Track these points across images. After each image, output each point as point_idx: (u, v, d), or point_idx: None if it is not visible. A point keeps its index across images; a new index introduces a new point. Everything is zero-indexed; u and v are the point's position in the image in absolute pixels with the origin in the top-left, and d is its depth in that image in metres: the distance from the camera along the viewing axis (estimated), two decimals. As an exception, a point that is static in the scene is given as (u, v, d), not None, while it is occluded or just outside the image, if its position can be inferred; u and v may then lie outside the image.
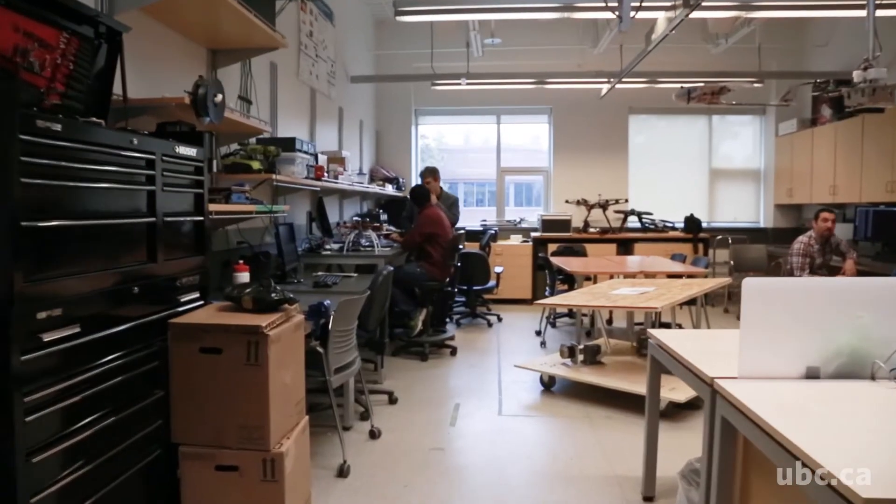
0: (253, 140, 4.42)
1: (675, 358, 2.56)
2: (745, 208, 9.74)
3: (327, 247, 5.41)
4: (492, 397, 4.67)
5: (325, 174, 5.28)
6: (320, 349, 3.21)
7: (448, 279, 6.02)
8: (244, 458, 2.43)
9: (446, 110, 9.80)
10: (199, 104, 2.93)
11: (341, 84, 7.37)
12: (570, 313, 7.62)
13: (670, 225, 9.23)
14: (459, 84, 7.83)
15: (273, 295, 2.56)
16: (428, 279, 5.82)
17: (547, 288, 6.73)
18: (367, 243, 5.53)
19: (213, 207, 3.03)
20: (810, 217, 8.85)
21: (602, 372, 4.68)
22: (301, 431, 2.70)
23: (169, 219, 2.48)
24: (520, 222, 9.67)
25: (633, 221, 9.30)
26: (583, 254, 7.85)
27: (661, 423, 3.93)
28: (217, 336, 2.41)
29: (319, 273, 4.80)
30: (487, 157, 9.90)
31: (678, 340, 2.72)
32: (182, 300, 2.60)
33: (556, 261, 6.51)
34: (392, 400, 4.48)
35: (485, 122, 9.87)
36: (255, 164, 4.01)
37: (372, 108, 9.20)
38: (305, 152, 4.75)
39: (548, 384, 4.81)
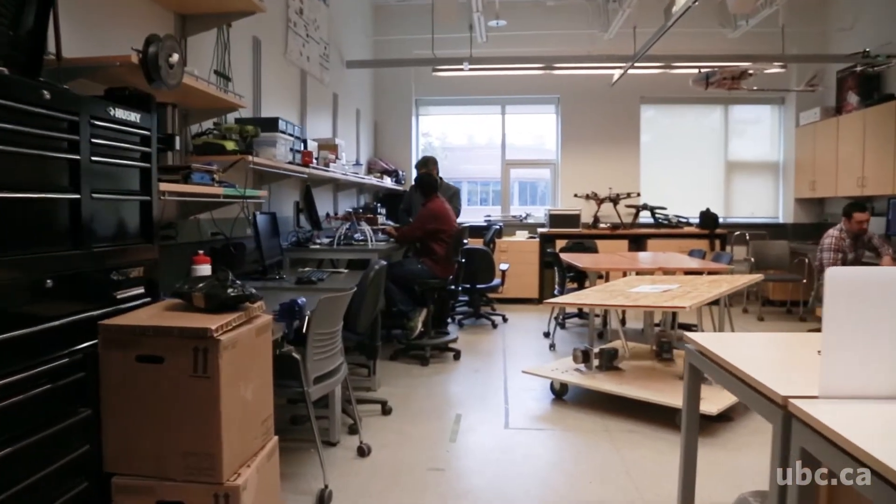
0: (232, 119, 3.96)
1: (726, 370, 2.08)
2: (762, 203, 9.24)
3: (317, 240, 4.94)
4: (497, 407, 4.19)
5: (314, 161, 4.81)
6: (296, 355, 2.74)
7: (451, 277, 5.54)
8: (191, 493, 1.95)
9: (448, 100, 9.32)
10: (149, 65, 2.46)
11: (336, 69, 6.90)
12: (581, 313, 7.13)
13: (684, 220, 8.73)
14: (462, 69, 7.36)
15: (230, 290, 2.08)
16: (429, 277, 5.34)
17: (556, 286, 6.25)
18: (361, 237, 5.06)
19: (166, 188, 2.56)
20: (834, 212, 8.38)
21: (620, 379, 4.19)
22: (267, 456, 2.22)
23: (100, 196, 2.01)
24: (525, 218, 9.19)
25: (645, 217, 8.82)
26: (593, 250, 7.37)
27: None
28: (157, 341, 1.94)
29: (306, 269, 4.32)
30: (491, 155, 9.41)
31: (724, 347, 2.24)
32: (120, 297, 2.13)
33: (567, 257, 6.03)
34: (386, 410, 4.01)
35: (489, 113, 9.39)
36: (230, 145, 3.54)
37: (370, 98, 8.73)
38: (290, 135, 4.28)
39: (559, 392, 4.33)
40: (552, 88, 9.03)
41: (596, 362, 4.34)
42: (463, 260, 5.64)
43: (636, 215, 8.76)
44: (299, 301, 2.47)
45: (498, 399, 4.36)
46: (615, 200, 8.68)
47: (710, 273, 5.36)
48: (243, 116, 4.12)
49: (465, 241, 5.64)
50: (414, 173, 9.10)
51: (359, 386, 4.52)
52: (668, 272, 5.39)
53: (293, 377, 2.78)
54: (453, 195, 6.55)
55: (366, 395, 4.27)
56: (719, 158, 9.22)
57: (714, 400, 3.64)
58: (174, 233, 3.31)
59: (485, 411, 4.10)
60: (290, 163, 4.30)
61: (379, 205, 7.67)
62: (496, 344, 6.13)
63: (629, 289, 4.45)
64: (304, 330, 2.52)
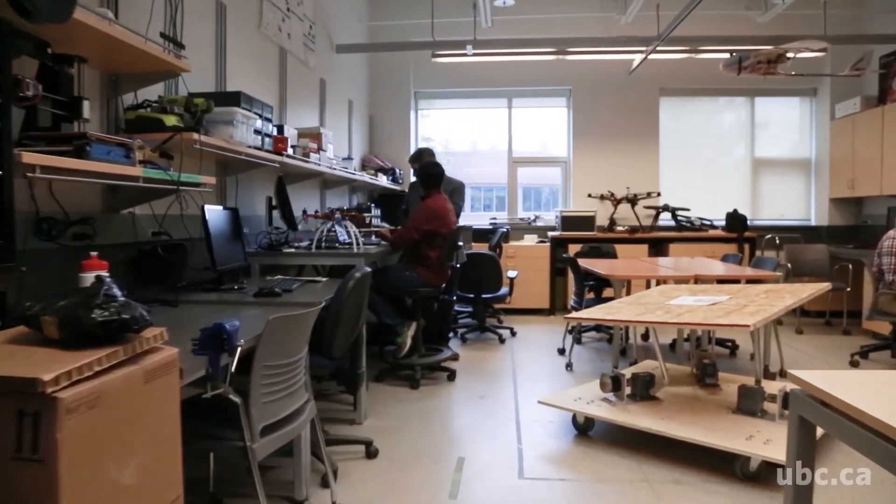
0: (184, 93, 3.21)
1: (877, 433, 1.31)
2: (793, 204, 8.44)
3: (295, 243, 4.19)
4: (508, 447, 3.42)
5: (290, 150, 4.06)
6: (235, 397, 1.97)
7: (445, 284, 4.78)
8: None
9: (450, 93, 8.57)
10: (17, -14, 1.70)
11: (324, 54, 6.16)
12: (598, 327, 6.35)
13: (708, 223, 7.96)
14: (465, 54, 6.61)
15: (97, 313, 1.32)
16: (420, 285, 4.58)
17: (573, 297, 5.47)
18: (346, 239, 4.29)
19: (40, 161, 1.79)
20: (875, 212, 7.62)
21: (659, 411, 3.41)
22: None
23: None
24: (534, 220, 8.42)
25: (665, 219, 8.05)
26: (612, 255, 6.60)
27: (751, 490, 2.71)
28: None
29: (276, 277, 3.56)
30: (497, 157, 8.63)
31: (860, 395, 1.48)
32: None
33: (586, 263, 5.26)
34: (370, 452, 3.23)
35: (494, 107, 8.63)
36: (170, 120, 2.78)
37: (365, 89, 7.98)
38: (258, 115, 3.54)
39: (584, 427, 3.55)
40: (563, 79, 8.27)
41: (628, 390, 3.57)
42: (458, 265, 4.87)
43: (656, 217, 7.99)
44: (228, 326, 1.70)
45: (508, 435, 3.58)
46: (633, 201, 7.91)
47: (752, 281, 4.60)
48: (204, 92, 3.37)
49: (461, 242, 4.86)
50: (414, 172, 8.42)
51: (340, 418, 3.76)
52: (703, 280, 4.62)
53: (231, 426, 2.02)
54: (454, 190, 5.69)
55: (347, 433, 3.50)
56: (745, 155, 8.45)
57: (780, 442, 2.86)
58: (91, 230, 2.55)
59: (493, 453, 3.33)
60: (257, 148, 3.55)
61: (373, 205, 6.91)
62: (504, 362, 5.36)
63: (667, 301, 3.68)
64: (233, 367, 1.76)
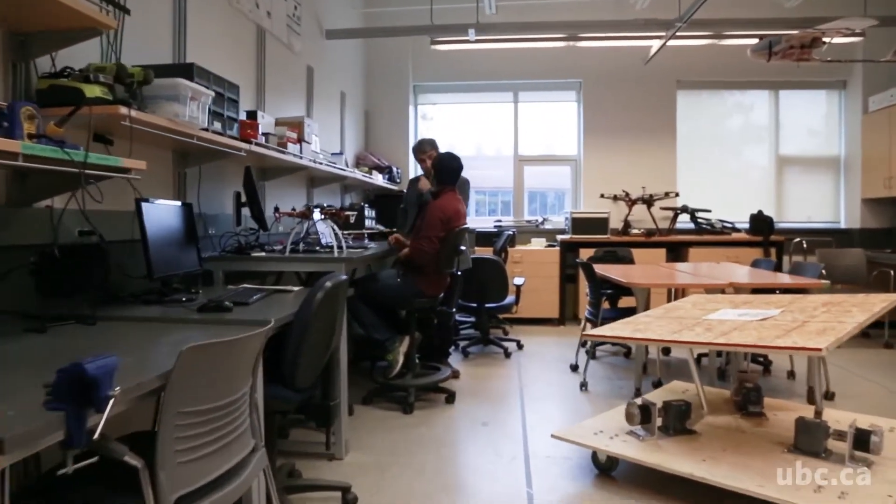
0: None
1: None
2: (821, 204, 7.83)
3: (269, 246, 3.61)
4: (515, 492, 2.83)
5: (261, 137, 3.50)
6: (135, 461, 1.39)
7: (443, 294, 4.20)
8: None
9: (451, 86, 7.99)
10: None
11: (312, 39, 5.61)
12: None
13: (729, 225, 7.37)
14: (466, 40, 6.04)
15: None
16: (413, 294, 4.00)
17: (588, 308, 4.88)
18: (330, 241, 3.70)
19: None
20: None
21: (699, 450, 2.82)
22: None
23: None
24: (542, 223, 7.83)
25: (683, 221, 7.46)
26: (629, 260, 6.01)
27: None
28: None
29: (239, 287, 2.98)
30: (501, 159, 8.03)
31: None
32: None
33: (602, 269, 4.67)
34: (347, 501, 2.65)
35: (499, 101, 8.05)
36: (93, 90, 2.21)
37: (360, 82, 7.42)
38: (218, 92, 2.97)
39: (606, 467, 2.96)
40: (573, 71, 7.69)
41: (659, 422, 2.98)
42: (458, 272, 4.28)
43: (674, 219, 7.41)
44: (92, 367, 1.11)
45: (516, 476, 2.99)
46: (649, 202, 7.32)
47: (796, 290, 4.01)
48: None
49: (463, 246, 4.27)
50: (413, 170, 7.82)
51: (316, 453, 3.18)
52: (740, 289, 4.03)
53: (134, 495, 1.44)
54: (459, 188, 4.99)
55: (320, 476, 2.92)
56: (769, 153, 7.85)
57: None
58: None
59: (497, 500, 2.74)
60: (218, 133, 2.98)
61: (367, 206, 6.34)
62: (510, 381, 4.77)
63: (705, 315, 3.09)
64: (99, 430, 1.17)
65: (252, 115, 3.64)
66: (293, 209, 3.53)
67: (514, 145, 7.98)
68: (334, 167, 5.01)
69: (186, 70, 2.76)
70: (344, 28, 6.12)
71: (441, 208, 4.04)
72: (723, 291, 4.12)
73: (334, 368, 2.65)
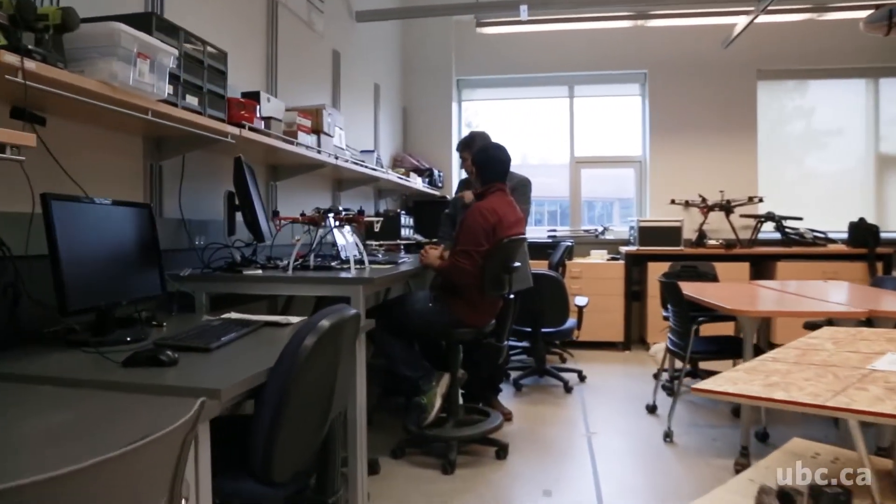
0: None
1: None
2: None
3: (275, 261, 2.83)
4: None
5: (259, 121, 2.72)
6: None
7: (493, 321, 3.36)
8: None
9: (499, 80, 7.15)
10: None
11: (339, 19, 4.86)
12: (695, 371, 4.78)
13: (821, 235, 6.34)
14: (518, 21, 5.22)
15: None
16: (453, 324, 3.17)
17: (671, 337, 3.95)
18: (354, 254, 2.90)
19: None
20: None
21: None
22: None
23: None
24: (603, 232, 6.92)
25: (767, 230, 6.46)
26: (712, 277, 5.06)
27: None
28: None
29: (217, 319, 2.18)
30: (556, 167, 7.15)
31: None
32: None
33: (685, 289, 3.75)
34: None
35: (552, 96, 7.18)
36: (-31, 31, 1.45)
37: (396, 74, 6.65)
38: (191, 56, 2.21)
39: (732, 581, 2.06)
40: (637, 60, 6.78)
41: (806, 515, 2.07)
42: (511, 295, 3.42)
43: (755, 229, 6.41)
44: None
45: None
46: (728, 209, 6.35)
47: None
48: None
49: (517, 262, 3.40)
50: (458, 174, 7.01)
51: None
52: (883, 318, 3.08)
53: None
54: (515, 188, 3.75)
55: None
56: (866, 151, 6.79)
57: None
58: None
59: None
60: (188, 109, 2.21)
61: (404, 213, 5.54)
62: (574, 426, 3.89)
63: (869, 364, 2.17)
64: None
65: (252, 95, 2.88)
66: (302, 214, 2.73)
67: (569, 145, 7.09)
68: (362, 166, 4.22)
69: (143, 21, 1.99)
70: (376, 9, 5.33)
71: (483, 213, 3.13)
72: (863, 322, 3.18)
73: (331, 450, 1.82)
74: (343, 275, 2.55)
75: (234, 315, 2.28)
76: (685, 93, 6.71)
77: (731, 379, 2.20)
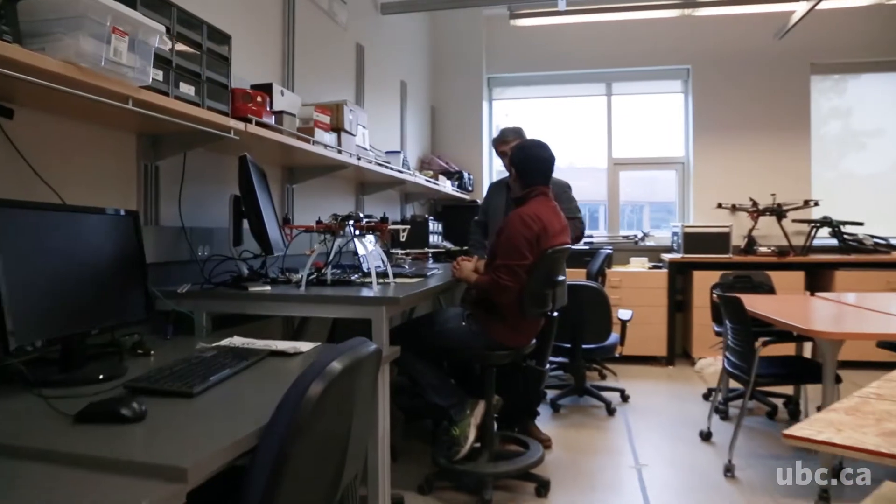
0: None
1: None
2: None
3: (294, 276, 2.49)
4: None
5: (269, 114, 2.40)
6: None
7: (533, 340, 2.99)
8: None
9: (533, 78, 6.78)
10: None
11: (364, 12, 4.55)
12: (758, 394, 4.32)
13: (882, 242, 5.86)
14: (555, 11, 4.85)
15: None
16: (488, 345, 2.81)
17: (730, 357, 3.54)
18: (378, 266, 2.56)
19: None
20: None
21: None
22: None
23: None
24: (643, 238, 6.50)
25: (822, 237, 5.99)
26: (767, 288, 4.63)
27: None
28: None
29: (213, 347, 1.85)
30: (591, 169, 6.76)
31: None
32: None
33: (749, 304, 3.34)
34: None
35: (589, 94, 6.79)
36: None
37: (425, 72, 6.32)
38: (182, 35, 1.89)
39: None
40: (681, 54, 6.36)
41: None
42: (554, 313, 3.05)
43: (810, 235, 5.95)
44: None
45: None
46: (780, 213, 5.89)
47: None
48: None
49: (561, 276, 3.02)
50: (489, 173, 6.66)
51: None
52: None
53: None
54: (558, 196, 3.23)
55: None
56: (930, 152, 6.29)
57: None
58: None
59: None
60: (182, 99, 1.89)
61: (433, 218, 5.21)
62: (621, 456, 3.49)
63: None
64: None
65: (264, 88, 2.56)
66: (318, 221, 2.39)
67: (607, 146, 6.69)
68: (387, 167, 3.89)
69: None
70: (402, 0, 4.99)
71: (526, 221, 2.74)
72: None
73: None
74: (364, 292, 2.21)
75: (236, 341, 1.95)
76: (732, 89, 6.27)
77: (833, 423, 1.81)
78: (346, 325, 2.45)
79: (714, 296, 3.75)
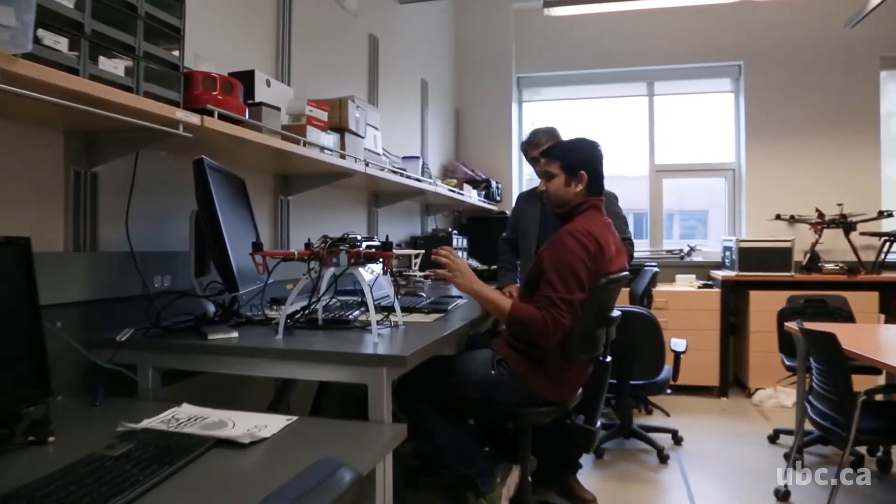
0: None
1: None
2: None
3: (273, 312, 1.96)
4: None
5: (242, 105, 1.87)
6: None
7: (580, 390, 2.40)
8: None
9: (566, 77, 6.19)
10: None
11: (379, 1, 4.02)
12: (825, 437, 3.67)
13: (965, 258, 5.18)
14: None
15: None
16: (522, 401, 2.22)
17: (815, 404, 2.91)
18: (386, 296, 2.00)
19: None
20: None
21: None
22: None
23: None
24: (689, 253, 5.87)
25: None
26: (845, 315, 3.98)
27: None
28: None
29: (127, 437, 1.31)
30: (631, 177, 6.16)
31: None
32: None
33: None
34: None
35: (628, 94, 6.18)
36: None
37: (448, 71, 5.77)
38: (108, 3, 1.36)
39: None
40: (731, 50, 5.73)
41: None
42: (607, 359, 2.45)
43: (882, 249, 5.26)
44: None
45: None
46: (849, 226, 5.22)
47: None
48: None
49: (616, 312, 2.41)
50: (518, 185, 6.09)
51: None
52: None
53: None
54: (607, 209, 2.75)
55: None
56: None
57: None
58: None
59: None
60: (101, 80, 1.36)
61: (456, 232, 4.66)
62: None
63: None
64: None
65: (244, 77, 2.03)
66: (307, 244, 1.84)
67: (648, 152, 6.07)
68: (403, 175, 3.34)
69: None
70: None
71: (581, 240, 2.12)
72: None
73: None
74: (362, 344, 1.65)
75: (183, 412, 1.42)
76: (789, 87, 5.62)
77: None
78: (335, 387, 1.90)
79: (794, 327, 3.12)
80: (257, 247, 1.68)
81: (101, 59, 1.35)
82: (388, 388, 1.46)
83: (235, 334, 1.70)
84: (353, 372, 1.50)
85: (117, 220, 1.79)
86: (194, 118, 1.56)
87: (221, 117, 1.69)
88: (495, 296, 2.21)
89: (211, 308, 1.82)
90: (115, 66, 1.39)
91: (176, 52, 1.59)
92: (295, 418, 1.42)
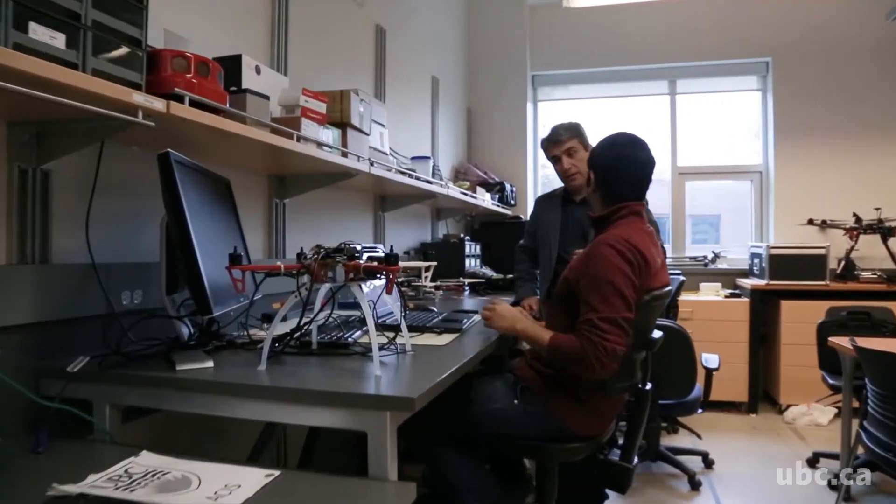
0: None
1: None
2: None
3: (262, 333, 1.69)
4: None
5: (228, 93, 1.59)
6: None
7: (613, 422, 2.11)
8: None
9: (583, 76, 5.90)
10: None
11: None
12: (874, 462, 3.36)
13: None
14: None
15: None
16: (556, 437, 1.92)
17: (871, 430, 2.61)
18: (389, 315, 1.72)
19: None
20: None
21: None
22: None
23: None
24: (714, 260, 5.55)
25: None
26: (892, 329, 3.67)
27: None
28: None
29: (93, 479, 1.05)
30: (658, 187, 5.84)
31: None
32: None
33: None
34: None
35: (649, 93, 5.88)
36: None
37: (460, 68, 5.50)
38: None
39: None
40: (757, 45, 5.42)
41: None
42: (646, 386, 2.15)
43: (922, 257, 4.94)
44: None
45: None
46: (887, 232, 4.90)
47: None
48: None
49: (656, 333, 2.09)
50: (533, 188, 5.81)
51: None
52: None
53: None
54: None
55: None
56: None
57: None
58: None
59: None
60: (21, 46, 1.08)
61: (468, 238, 4.37)
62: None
63: None
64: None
65: (231, 61, 1.77)
66: (299, 254, 1.56)
67: (670, 153, 5.76)
68: (412, 176, 3.06)
69: None
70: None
71: (624, 253, 1.79)
72: None
73: None
74: (362, 378, 1.37)
75: (140, 463, 1.15)
76: (821, 84, 5.30)
77: None
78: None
79: (846, 345, 2.82)
80: (235, 259, 1.40)
81: (33, 25, 1.08)
82: (392, 437, 1.17)
83: (210, 363, 1.42)
84: (350, 416, 1.21)
85: (76, 227, 1.52)
86: (158, 103, 1.29)
87: (194, 104, 1.42)
88: (537, 332, 1.91)
89: (185, 330, 1.54)
90: (52, 35, 1.12)
91: (138, 27, 1.32)
92: (277, 473, 1.14)
